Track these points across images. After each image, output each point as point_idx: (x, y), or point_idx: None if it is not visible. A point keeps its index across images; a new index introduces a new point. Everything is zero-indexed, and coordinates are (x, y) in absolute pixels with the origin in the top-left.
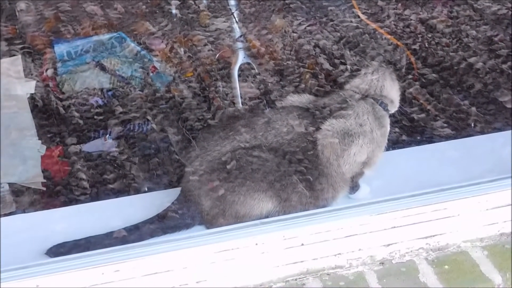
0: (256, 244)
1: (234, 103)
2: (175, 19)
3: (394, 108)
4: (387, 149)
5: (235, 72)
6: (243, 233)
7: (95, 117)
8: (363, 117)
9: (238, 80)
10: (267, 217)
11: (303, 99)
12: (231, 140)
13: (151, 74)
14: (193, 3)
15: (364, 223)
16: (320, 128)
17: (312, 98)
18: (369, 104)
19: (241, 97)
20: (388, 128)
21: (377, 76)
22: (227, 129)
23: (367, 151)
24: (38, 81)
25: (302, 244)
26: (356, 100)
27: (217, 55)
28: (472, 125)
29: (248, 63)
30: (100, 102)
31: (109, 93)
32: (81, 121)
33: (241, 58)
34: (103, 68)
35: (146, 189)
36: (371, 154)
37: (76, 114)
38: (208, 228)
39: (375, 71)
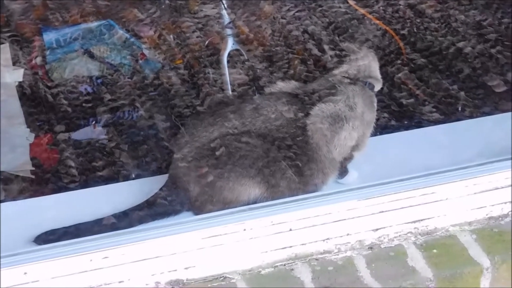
0: (244, 229)
1: (223, 90)
2: (163, 6)
3: (378, 86)
4: (376, 134)
5: (225, 58)
6: (231, 218)
7: (84, 104)
8: (354, 100)
9: (227, 67)
10: (255, 202)
11: (291, 85)
12: (220, 127)
13: (140, 61)
14: None
15: (352, 208)
16: (310, 114)
17: (299, 84)
18: (358, 87)
19: (230, 84)
20: (375, 106)
21: (366, 61)
22: (216, 116)
23: (357, 134)
24: (26, 69)
25: (291, 229)
26: (345, 85)
27: (206, 42)
28: (459, 109)
29: (237, 50)
30: (89, 89)
31: (99, 80)
32: (69, 109)
33: (230, 45)
34: (92, 56)
35: (133, 176)
36: (361, 137)
37: (65, 101)
38: (196, 214)
39: (363, 57)
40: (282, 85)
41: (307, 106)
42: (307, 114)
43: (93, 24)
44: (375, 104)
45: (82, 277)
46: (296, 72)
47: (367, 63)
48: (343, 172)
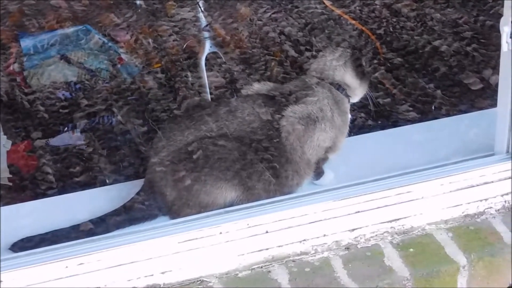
0: (220, 232)
1: (200, 93)
2: (140, 10)
3: (355, 95)
4: (352, 134)
5: (203, 62)
6: (207, 222)
7: (61, 110)
8: (323, 102)
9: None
10: (232, 205)
11: (267, 87)
12: (197, 130)
13: (118, 65)
14: None
15: (328, 208)
16: (283, 115)
17: (275, 85)
18: (326, 88)
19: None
20: (349, 114)
21: (332, 57)
22: (193, 119)
23: (330, 136)
24: (3, 75)
25: (267, 232)
26: (315, 84)
27: (184, 45)
28: (433, 107)
29: (214, 52)
30: (67, 95)
31: (77, 86)
32: (46, 115)
33: (207, 48)
34: (69, 61)
35: (108, 181)
36: (334, 139)
37: (42, 108)
38: (172, 218)
39: (331, 53)
40: (258, 87)
41: (284, 107)
42: (281, 116)
43: (70, 30)
44: (347, 110)
45: (57, 284)
46: (273, 73)
47: (335, 64)
48: (319, 173)
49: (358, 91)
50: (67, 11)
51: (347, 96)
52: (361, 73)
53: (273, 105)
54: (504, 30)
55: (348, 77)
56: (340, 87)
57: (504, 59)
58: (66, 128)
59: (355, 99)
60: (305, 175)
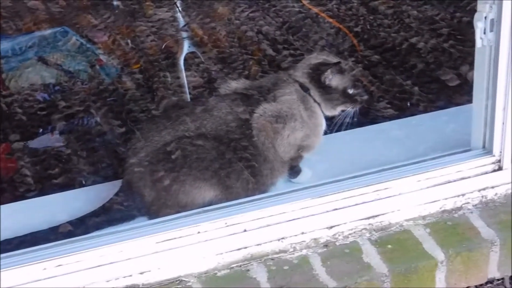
0: (199, 232)
1: (179, 93)
2: (117, 11)
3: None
4: (329, 132)
5: (181, 62)
6: (185, 221)
7: (39, 112)
8: (292, 99)
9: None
10: (211, 204)
11: (243, 84)
12: (175, 130)
13: (97, 67)
14: None
15: (306, 206)
16: (255, 113)
17: (252, 83)
18: (294, 86)
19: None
20: (321, 116)
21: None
22: (171, 119)
23: (301, 134)
24: None
25: (245, 230)
26: (285, 81)
27: (163, 45)
28: (408, 104)
29: (193, 52)
30: (46, 97)
31: (56, 88)
32: (24, 117)
33: (186, 48)
34: (47, 63)
35: (90, 182)
36: (306, 137)
37: (20, 110)
38: (151, 218)
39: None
40: (235, 85)
41: (256, 105)
42: (254, 114)
43: (48, 31)
44: (314, 108)
45: (35, 286)
46: (252, 72)
47: (304, 64)
48: (296, 171)
49: (326, 104)
50: (44, 12)
51: (311, 96)
52: (327, 88)
53: (247, 103)
54: (478, 26)
55: (308, 81)
56: (303, 86)
57: (478, 55)
58: (42, 130)
59: (326, 112)
60: (279, 174)
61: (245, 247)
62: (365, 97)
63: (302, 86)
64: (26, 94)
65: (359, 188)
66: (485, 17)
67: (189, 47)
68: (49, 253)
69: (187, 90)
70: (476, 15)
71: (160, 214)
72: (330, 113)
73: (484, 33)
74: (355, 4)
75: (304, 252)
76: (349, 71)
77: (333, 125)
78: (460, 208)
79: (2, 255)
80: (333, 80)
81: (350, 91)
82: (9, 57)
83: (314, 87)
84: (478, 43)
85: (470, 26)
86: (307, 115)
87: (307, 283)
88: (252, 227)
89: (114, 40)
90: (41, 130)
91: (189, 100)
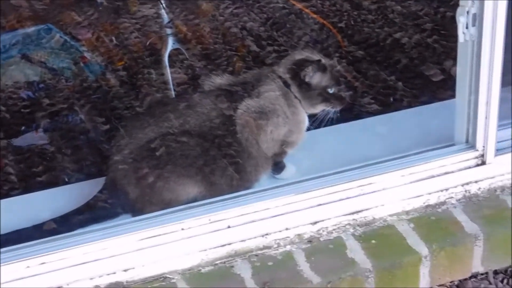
0: (182, 229)
1: (163, 90)
2: (101, 8)
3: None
4: (313, 128)
5: (166, 58)
6: (169, 218)
7: (23, 110)
8: (275, 94)
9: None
10: (196, 201)
11: (226, 80)
12: (159, 127)
13: (82, 64)
14: None
15: (290, 202)
16: (238, 109)
17: (235, 78)
18: (276, 81)
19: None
20: (302, 112)
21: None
22: (155, 116)
23: (283, 130)
24: None
25: (229, 227)
26: (267, 76)
27: (148, 42)
28: (391, 99)
29: (177, 49)
30: (31, 95)
31: (40, 85)
32: (8, 115)
33: (170, 44)
34: (31, 61)
35: (67, 180)
36: (289, 133)
37: (3, 108)
38: (135, 216)
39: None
40: (219, 81)
41: (240, 101)
42: (237, 110)
43: (32, 29)
44: (296, 103)
45: (19, 284)
46: (236, 69)
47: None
48: (280, 167)
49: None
50: (27, 10)
51: (292, 93)
52: (307, 85)
53: (231, 99)
54: (460, 20)
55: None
56: (286, 82)
57: (461, 50)
58: (29, 128)
59: (306, 109)
60: (264, 170)
61: (229, 244)
62: (346, 98)
63: (285, 82)
64: (10, 92)
65: (343, 183)
66: (467, 12)
67: (174, 43)
68: (32, 251)
69: (172, 86)
70: (459, 10)
71: (144, 211)
72: (310, 111)
73: (467, 27)
74: None
75: (288, 248)
76: (331, 70)
77: (315, 122)
78: (443, 203)
79: None
80: (314, 77)
81: (331, 91)
82: None
83: (295, 83)
84: (461, 38)
85: (454, 21)
86: (290, 111)
87: (291, 279)
88: (236, 223)
89: (98, 37)
90: (30, 127)
91: (173, 96)
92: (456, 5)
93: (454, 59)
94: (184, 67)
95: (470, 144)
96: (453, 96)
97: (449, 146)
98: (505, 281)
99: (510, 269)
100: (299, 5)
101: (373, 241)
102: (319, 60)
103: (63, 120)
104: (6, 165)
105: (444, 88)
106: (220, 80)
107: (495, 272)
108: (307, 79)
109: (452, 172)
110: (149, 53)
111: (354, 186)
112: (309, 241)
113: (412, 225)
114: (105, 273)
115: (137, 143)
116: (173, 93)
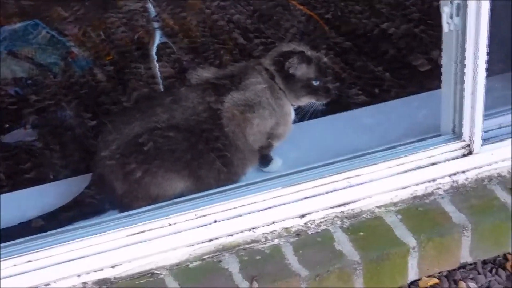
0: (169, 224)
1: (150, 84)
2: (87, 3)
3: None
4: (298, 120)
5: (153, 52)
6: (156, 214)
7: (10, 107)
8: (260, 86)
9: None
10: (183, 196)
11: (212, 73)
12: (147, 122)
13: (70, 60)
14: None
15: (277, 195)
16: (224, 102)
17: (221, 71)
18: (262, 73)
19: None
20: (288, 105)
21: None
22: (143, 111)
23: (270, 123)
24: None
25: (216, 221)
26: (253, 68)
27: (136, 36)
28: (376, 91)
29: (164, 43)
30: (19, 91)
31: (28, 81)
32: None
33: (157, 38)
34: (18, 57)
35: (51, 177)
36: (276, 126)
37: None
38: (123, 211)
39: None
40: (205, 74)
41: (226, 94)
42: (223, 103)
43: (19, 25)
44: (281, 95)
45: (6, 283)
46: (223, 62)
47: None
48: (267, 160)
49: (290, 93)
50: (14, 5)
51: (277, 84)
52: (291, 76)
53: (218, 93)
54: (445, 10)
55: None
56: (271, 74)
57: (446, 40)
58: (18, 124)
59: (291, 101)
60: (251, 163)
61: (217, 238)
62: (333, 92)
63: (270, 74)
64: None
65: (330, 176)
66: (451, 2)
67: (161, 37)
68: (19, 249)
69: (160, 80)
70: (442, 0)
71: (131, 207)
72: (295, 103)
73: (451, 18)
74: None
75: (276, 241)
76: (317, 62)
77: (299, 114)
78: (431, 194)
79: None
80: (298, 69)
81: (316, 83)
82: None
83: (280, 75)
84: (445, 28)
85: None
86: (276, 104)
87: (280, 273)
88: (223, 218)
89: (85, 32)
90: (18, 123)
91: (162, 90)
92: None
93: (441, 49)
94: (171, 60)
95: (457, 135)
96: (440, 86)
97: (436, 136)
98: (493, 270)
99: (498, 259)
100: None
101: (361, 233)
102: (303, 52)
103: (52, 116)
104: None
105: (431, 78)
106: (206, 73)
107: (484, 262)
108: (291, 71)
109: (439, 162)
110: (137, 47)
111: (341, 178)
112: (297, 234)
113: (399, 216)
114: (92, 269)
115: (124, 138)
116: (161, 86)
